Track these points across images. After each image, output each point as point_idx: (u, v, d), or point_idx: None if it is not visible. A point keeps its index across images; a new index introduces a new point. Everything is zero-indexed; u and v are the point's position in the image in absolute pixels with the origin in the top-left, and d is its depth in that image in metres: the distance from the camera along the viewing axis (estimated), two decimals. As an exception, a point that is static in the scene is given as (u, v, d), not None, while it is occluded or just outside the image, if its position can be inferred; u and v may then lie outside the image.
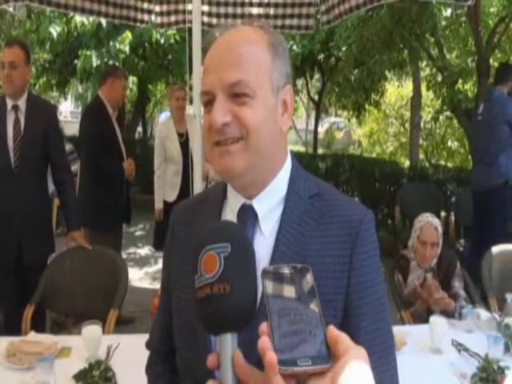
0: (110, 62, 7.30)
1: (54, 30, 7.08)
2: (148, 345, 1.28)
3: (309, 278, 0.73)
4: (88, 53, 7.31)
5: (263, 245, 1.02)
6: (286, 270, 0.74)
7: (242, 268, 0.76)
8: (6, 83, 3.22)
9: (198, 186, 3.08)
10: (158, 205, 4.73)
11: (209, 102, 0.99)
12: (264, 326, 0.68)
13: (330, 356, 0.65)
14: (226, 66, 0.97)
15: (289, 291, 0.72)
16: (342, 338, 0.66)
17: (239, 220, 1.05)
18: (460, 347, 2.41)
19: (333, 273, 0.98)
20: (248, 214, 1.05)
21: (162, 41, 7.65)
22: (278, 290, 0.72)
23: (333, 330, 0.67)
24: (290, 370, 0.64)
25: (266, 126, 0.98)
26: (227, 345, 0.73)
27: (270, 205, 1.05)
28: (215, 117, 0.96)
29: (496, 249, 3.53)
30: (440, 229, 3.29)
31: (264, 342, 0.65)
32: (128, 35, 7.35)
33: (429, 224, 3.29)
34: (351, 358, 0.64)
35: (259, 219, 1.04)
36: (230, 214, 1.08)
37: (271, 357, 0.63)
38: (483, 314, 2.78)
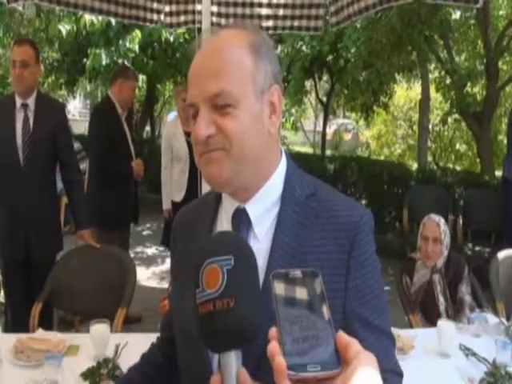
0: (120, 61, 7.31)
1: (63, 29, 7.08)
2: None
3: (319, 283, 0.71)
4: (97, 51, 7.31)
5: (257, 249, 0.98)
6: (298, 274, 0.71)
7: (247, 281, 0.73)
8: (17, 82, 3.23)
9: (206, 185, 3.08)
10: (166, 205, 4.73)
11: (195, 114, 0.98)
12: (273, 331, 0.66)
13: (339, 361, 0.64)
14: (205, 77, 0.96)
15: (301, 295, 0.69)
16: (352, 344, 0.65)
17: (233, 224, 1.03)
18: (468, 352, 2.39)
19: (330, 276, 0.95)
20: (241, 218, 1.03)
21: (172, 39, 7.64)
22: (290, 293, 0.69)
23: (342, 336, 0.66)
24: (300, 375, 0.63)
25: (250, 132, 0.96)
26: (231, 363, 0.70)
27: (263, 207, 1.03)
28: (199, 130, 0.95)
29: (503, 253, 3.50)
30: (443, 226, 3.26)
31: (273, 347, 0.64)
32: (137, 34, 7.35)
33: (431, 220, 3.31)
34: (360, 364, 0.63)
35: (252, 223, 1.02)
36: (224, 218, 1.07)
37: (280, 361, 0.62)
38: (491, 318, 2.77)
